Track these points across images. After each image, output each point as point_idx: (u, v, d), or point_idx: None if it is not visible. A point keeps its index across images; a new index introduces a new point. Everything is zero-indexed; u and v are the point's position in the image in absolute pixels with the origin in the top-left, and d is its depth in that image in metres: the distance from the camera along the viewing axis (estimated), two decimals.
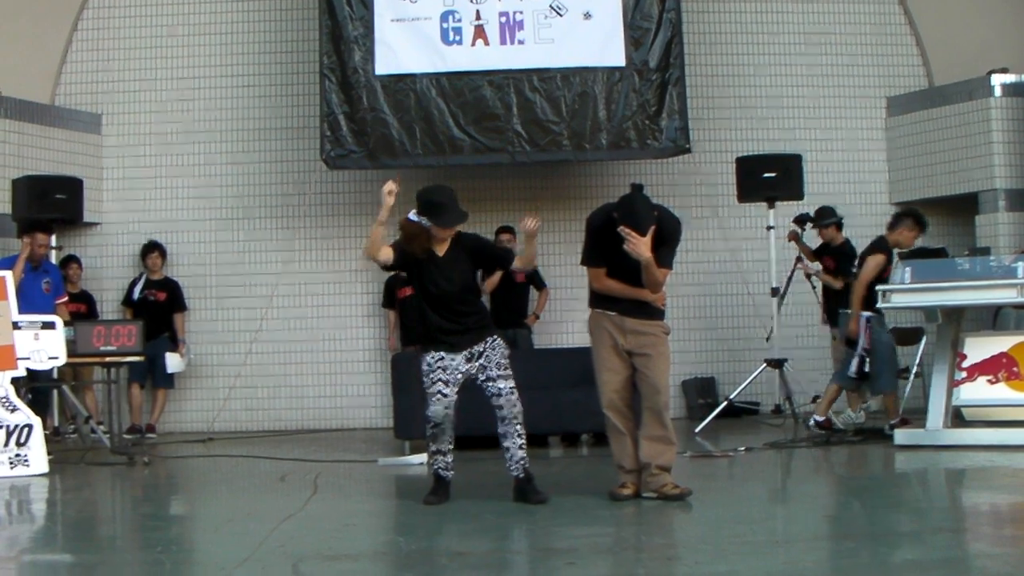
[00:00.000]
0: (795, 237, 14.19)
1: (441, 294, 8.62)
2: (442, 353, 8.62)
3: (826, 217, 13.97)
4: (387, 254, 8.66)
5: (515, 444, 8.67)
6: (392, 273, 14.36)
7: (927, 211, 15.61)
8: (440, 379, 8.60)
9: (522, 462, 8.68)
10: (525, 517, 8.19)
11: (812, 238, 14.29)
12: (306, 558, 6.93)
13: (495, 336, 8.75)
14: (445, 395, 8.59)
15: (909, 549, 6.92)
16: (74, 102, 15.85)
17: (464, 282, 8.73)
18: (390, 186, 8.53)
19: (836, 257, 13.91)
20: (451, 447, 8.78)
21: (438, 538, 7.70)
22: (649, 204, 8.29)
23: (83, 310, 14.70)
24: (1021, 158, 15.07)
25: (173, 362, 14.76)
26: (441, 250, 8.70)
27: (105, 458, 11.92)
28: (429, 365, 8.64)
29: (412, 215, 8.58)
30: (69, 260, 14.91)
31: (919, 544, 7.08)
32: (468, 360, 8.62)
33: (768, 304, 14.22)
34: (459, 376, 8.63)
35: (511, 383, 8.65)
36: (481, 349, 8.64)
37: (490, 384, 8.61)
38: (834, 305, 13.81)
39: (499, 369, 8.63)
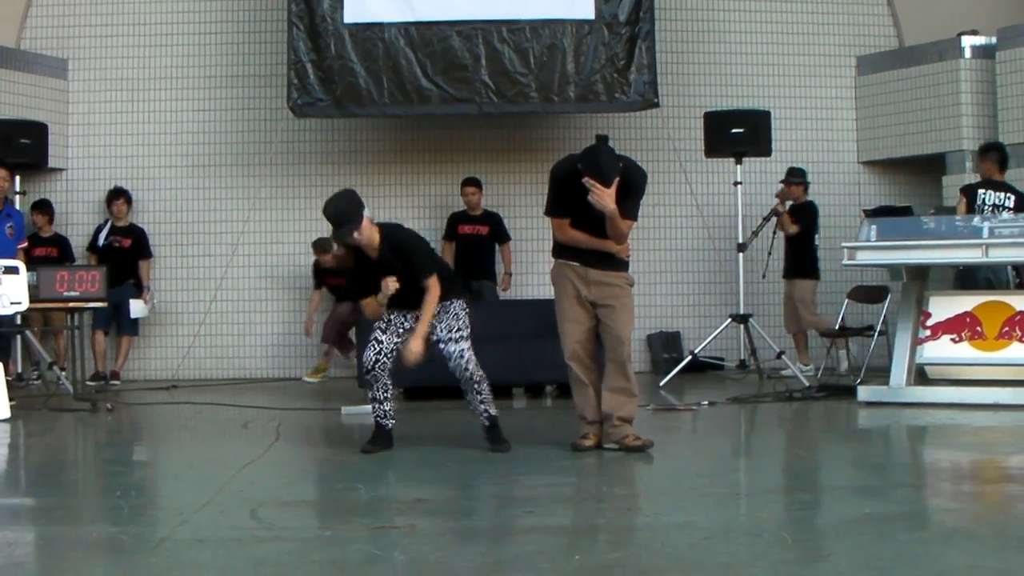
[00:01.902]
0: (783, 197, 14.38)
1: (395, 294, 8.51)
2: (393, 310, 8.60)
3: (796, 176, 14.23)
4: (380, 305, 8.58)
5: (476, 399, 8.63)
6: (317, 256, 14.57)
7: (895, 170, 15.80)
8: (379, 326, 8.59)
9: (484, 413, 8.67)
10: (486, 466, 8.20)
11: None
12: (265, 503, 6.93)
13: (451, 301, 8.61)
14: (380, 341, 8.56)
15: (868, 503, 6.94)
16: (40, 46, 15.70)
17: (407, 280, 8.47)
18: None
19: (797, 214, 14.21)
20: (387, 396, 8.71)
21: (397, 485, 7.72)
22: (614, 155, 8.24)
23: (54, 254, 14.65)
24: (989, 120, 15.07)
25: (137, 308, 14.69)
26: (374, 254, 8.52)
27: (68, 404, 11.88)
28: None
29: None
30: (41, 205, 14.88)
31: (879, 498, 7.11)
32: (416, 320, 8.52)
33: (734, 259, 14.22)
34: (402, 329, 8.57)
35: (462, 346, 8.55)
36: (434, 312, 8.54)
37: (441, 347, 8.57)
38: (791, 260, 14.09)
39: (449, 332, 8.54)
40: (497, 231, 14.91)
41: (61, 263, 14.12)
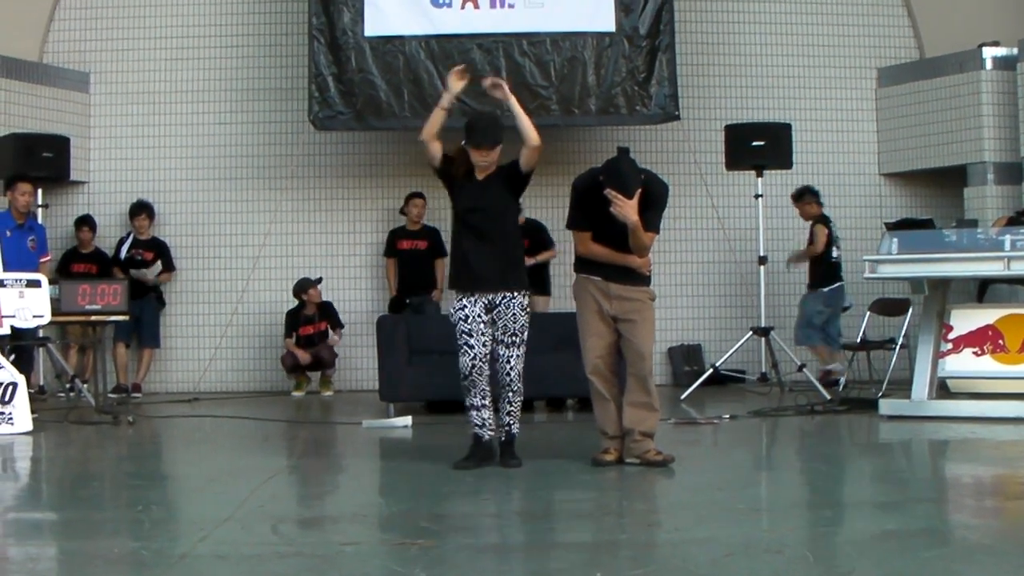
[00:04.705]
0: None
1: (473, 210, 8.51)
2: (464, 302, 8.46)
3: None
4: (437, 149, 8.70)
5: (504, 409, 8.55)
6: (300, 296, 14.74)
7: (916, 183, 15.76)
8: (464, 330, 8.44)
9: (507, 426, 8.60)
10: (507, 481, 8.18)
11: None
12: (287, 519, 6.94)
13: (513, 294, 8.47)
14: (471, 347, 8.42)
15: (890, 519, 6.93)
16: (62, 60, 15.76)
17: (498, 201, 8.58)
18: (460, 71, 8.89)
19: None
20: (485, 403, 8.53)
21: (419, 500, 7.69)
22: (635, 167, 8.27)
23: (93, 271, 14.71)
24: (1010, 131, 15.04)
25: (153, 272, 14.89)
26: (481, 176, 8.61)
27: (90, 417, 11.90)
28: (453, 310, 8.53)
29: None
30: (84, 221, 15.04)
31: (900, 514, 7.09)
32: (487, 310, 8.45)
33: (755, 272, 14.20)
34: (483, 326, 8.44)
35: (518, 351, 8.48)
36: (496, 302, 8.46)
37: (496, 346, 8.49)
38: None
39: (506, 335, 8.45)
40: (435, 246, 14.88)
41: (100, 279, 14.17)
